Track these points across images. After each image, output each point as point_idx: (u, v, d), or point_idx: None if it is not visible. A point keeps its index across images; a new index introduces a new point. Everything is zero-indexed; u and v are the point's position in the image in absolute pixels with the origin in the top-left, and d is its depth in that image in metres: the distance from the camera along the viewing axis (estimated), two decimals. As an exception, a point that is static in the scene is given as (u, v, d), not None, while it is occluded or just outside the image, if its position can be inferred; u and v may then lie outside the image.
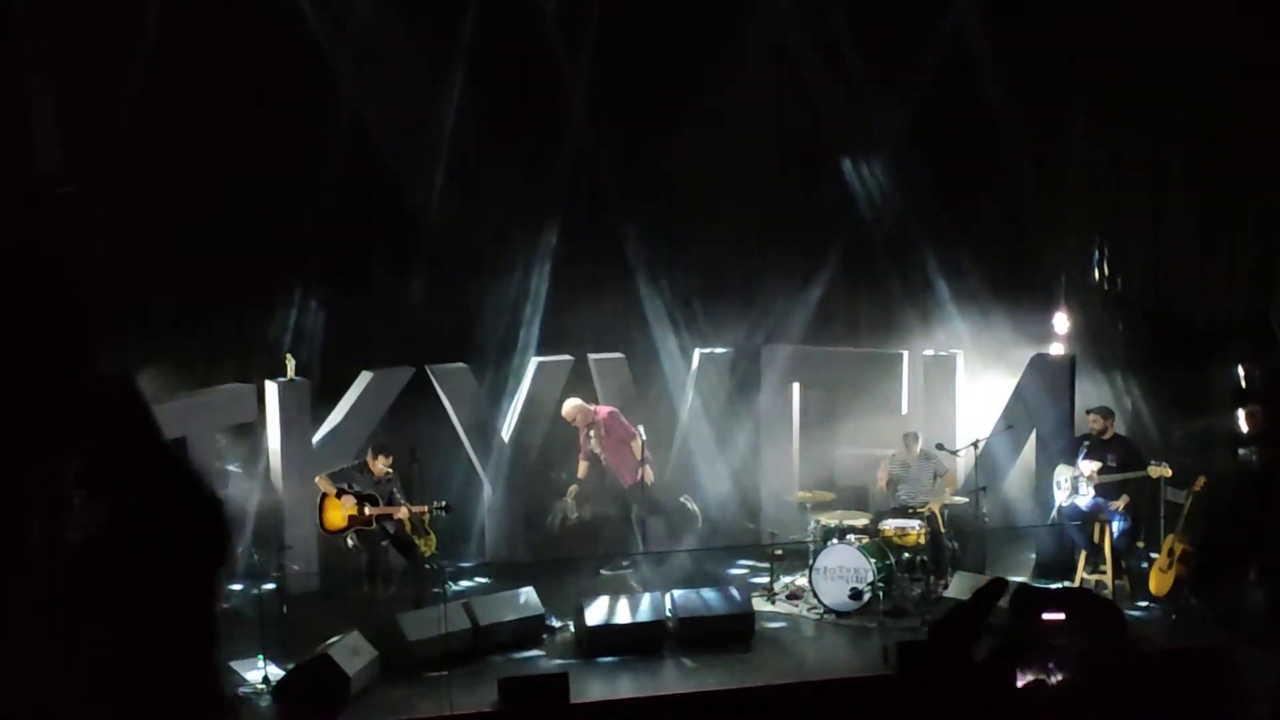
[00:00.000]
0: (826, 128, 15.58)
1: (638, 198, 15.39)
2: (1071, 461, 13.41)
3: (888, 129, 15.63)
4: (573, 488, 14.52)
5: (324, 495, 13.09)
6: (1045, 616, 10.88)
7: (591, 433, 14.32)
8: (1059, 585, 13.15)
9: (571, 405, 14.40)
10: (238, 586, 13.60)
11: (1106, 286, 16.04)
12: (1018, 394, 14.55)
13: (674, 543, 14.23)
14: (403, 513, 12.98)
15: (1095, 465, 13.23)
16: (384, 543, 13.13)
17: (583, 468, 14.46)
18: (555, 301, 15.46)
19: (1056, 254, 16.10)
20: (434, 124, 14.99)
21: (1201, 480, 12.89)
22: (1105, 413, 13.58)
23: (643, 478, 14.09)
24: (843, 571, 12.94)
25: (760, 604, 13.19)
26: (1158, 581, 12.92)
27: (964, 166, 15.59)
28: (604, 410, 14.35)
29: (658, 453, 14.69)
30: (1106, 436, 13.45)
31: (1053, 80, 15.55)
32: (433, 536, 13.42)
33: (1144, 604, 12.97)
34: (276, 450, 13.98)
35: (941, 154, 15.59)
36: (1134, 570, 13.43)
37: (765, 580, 13.68)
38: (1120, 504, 13.17)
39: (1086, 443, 13.45)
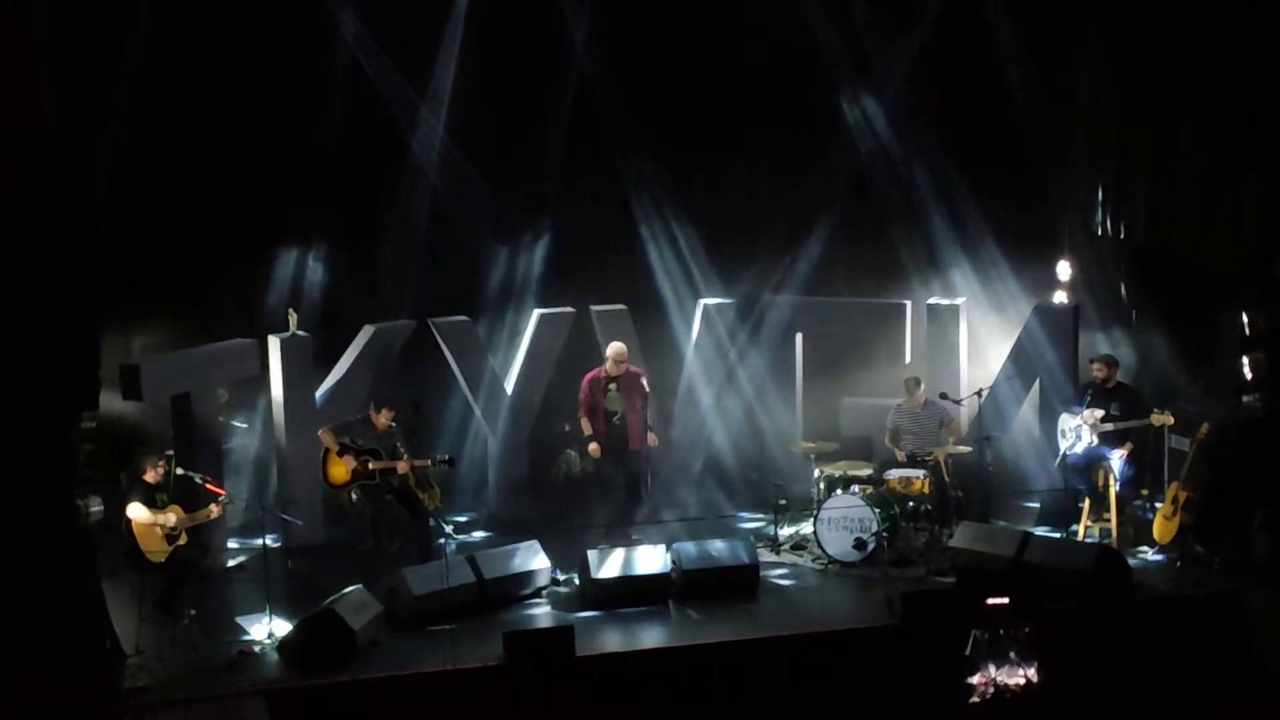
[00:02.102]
0: (830, 73, 15.44)
1: (641, 148, 15.28)
2: (1075, 410, 13.38)
3: (891, 74, 15.51)
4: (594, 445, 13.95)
5: (327, 450, 13.06)
6: (990, 601, 10.86)
7: (613, 386, 13.71)
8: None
9: (620, 348, 13.80)
10: (245, 542, 13.69)
11: (1110, 234, 15.98)
12: (1021, 342, 14.52)
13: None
14: (404, 466, 12.92)
15: (1099, 413, 13.19)
16: (388, 497, 13.10)
17: (585, 425, 14.02)
18: (557, 253, 15.42)
19: (1060, 201, 16.03)
20: (435, 72, 14.87)
21: (1205, 427, 12.87)
22: (1109, 361, 13.53)
23: (645, 445, 13.85)
24: (847, 521, 12.96)
25: (765, 555, 13.21)
26: (1162, 529, 12.93)
27: (968, 113, 15.50)
28: (636, 369, 13.85)
29: (661, 404, 14.65)
30: (1110, 384, 13.39)
31: (1058, 24, 15.42)
32: (437, 490, 13.39)
33: (1148, 552, 12.99)
34: (280, 404, 13.95)
35: (945, 100, 15.51)
36: (1138, 518, 13.44)
37: (769, 531, 13.71)
38: (1124, 452, 13.14)
39: (1090, 391, 13.42)
